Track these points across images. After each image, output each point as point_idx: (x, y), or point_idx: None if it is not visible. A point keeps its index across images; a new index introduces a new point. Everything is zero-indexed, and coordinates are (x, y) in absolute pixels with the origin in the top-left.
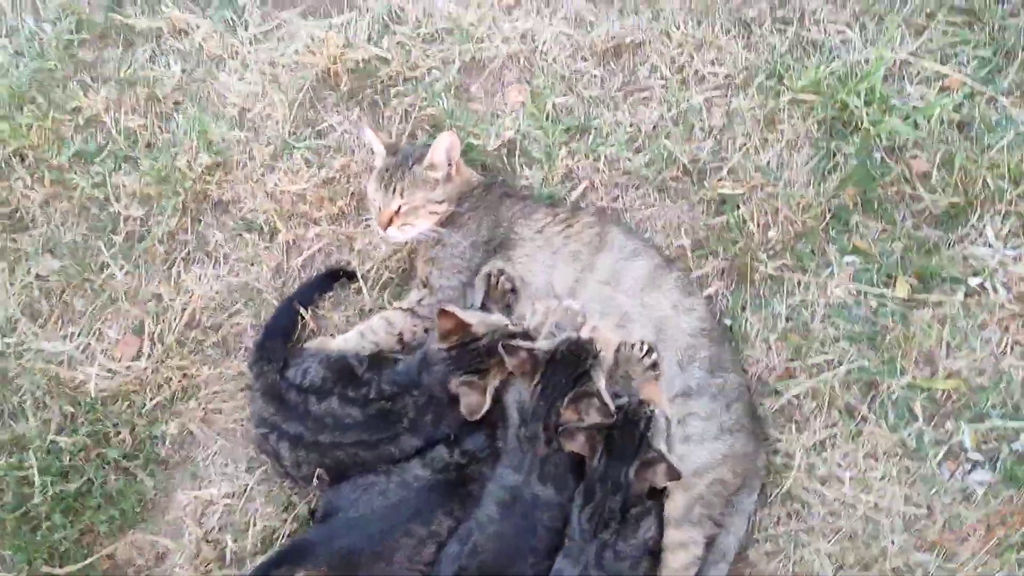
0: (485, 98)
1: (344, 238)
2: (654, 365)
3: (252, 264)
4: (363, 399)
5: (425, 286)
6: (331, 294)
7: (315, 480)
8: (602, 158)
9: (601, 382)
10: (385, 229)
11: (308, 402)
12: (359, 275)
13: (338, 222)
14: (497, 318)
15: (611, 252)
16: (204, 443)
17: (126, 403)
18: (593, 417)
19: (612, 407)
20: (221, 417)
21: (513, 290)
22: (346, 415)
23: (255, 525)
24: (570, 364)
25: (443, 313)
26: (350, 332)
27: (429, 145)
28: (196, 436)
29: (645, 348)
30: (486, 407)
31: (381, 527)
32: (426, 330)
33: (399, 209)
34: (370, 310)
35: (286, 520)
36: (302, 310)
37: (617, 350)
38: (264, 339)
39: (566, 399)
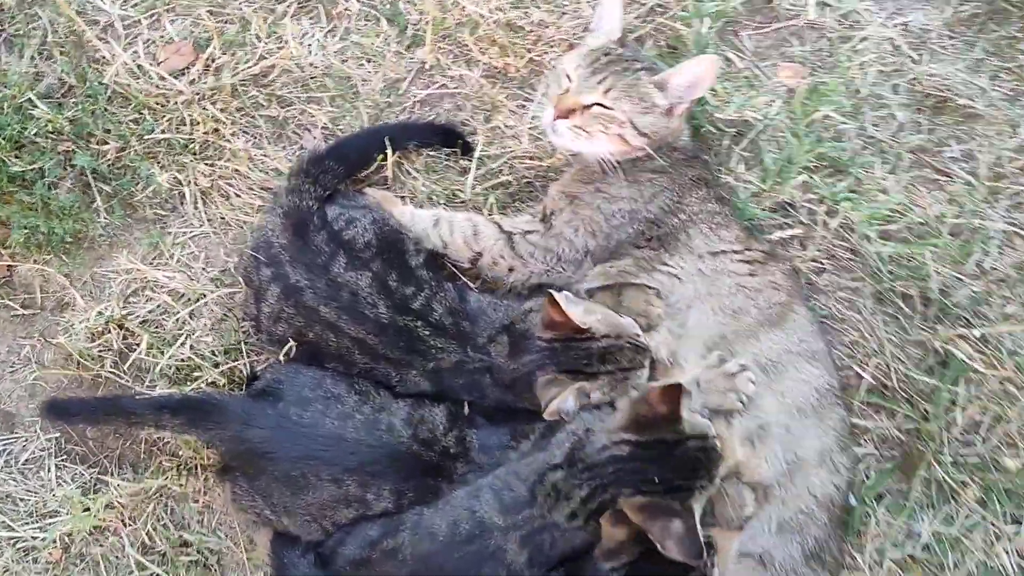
0: (751, 57)
1: (489, 101)
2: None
3: (368, 60)
4: (401, 301)
5: (544, 220)
6: (432, 154)
7: (284, 351)
8: (838, 216)
9: (699, 513)
10: (555, 119)
11: (335, 259)
12: (476, 153)
13: (495, 79)
14: (626, 322)
15: (785, 336)
16: (188, 219)
17: (134, 114)
18: (671, 547)
19: (703, 551)
20: (225, 203)
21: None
22: (370, 303)
23: (182, 345)
24: (685, 464)
25: (552, 303)
26: (424, 211)
27: (659, 64)
28: (184, 206)
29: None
30: (567, 413)
31: (313, 452)
32: (510, 269)
33: (590, 107)
34: (461, 203)
35: (218, 366)
36: (389, 148)
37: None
38: (327, 154)
39: (645, 498)
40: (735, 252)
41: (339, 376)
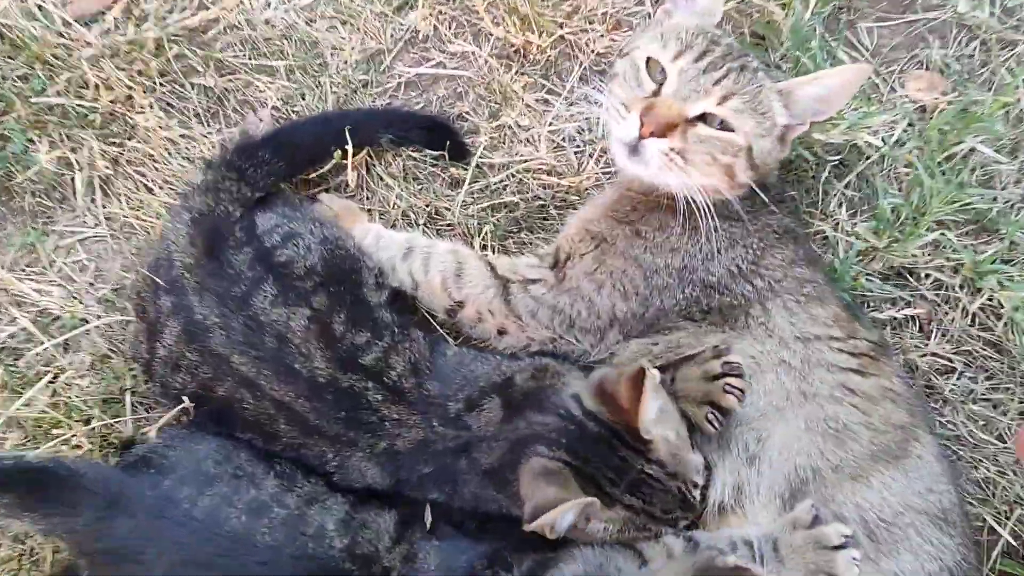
0: (871, 58)
1: (500, 90)
2: None
3: (343, 22)
4: (348, 353)
5: (555, 267)
6: (414, 155)
7: (173, 412)
8: (981, 295)
9: None
10: (644, 138)
11: (259, 288)
12: (474, 160)
13: (510, 61)
14: (694, 463)
15: (906, 481)
16: (79, 215)
17: (23, 68)
18: None
19: None
20: (131, 199)
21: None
22: (303, 354)
23: (47, 386)
24: None
25: (636, 379)
26: (396, 233)
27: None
28: (75, 197)
29: None
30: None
31: (205, 559)
32: (500, 331)
33: (694, 121)
34: (447, 227)
35: (89, 422)
36: (350, 140)
37: None
38: (262, 142)
39: None
40: (834, 339)
41: (256, 451)
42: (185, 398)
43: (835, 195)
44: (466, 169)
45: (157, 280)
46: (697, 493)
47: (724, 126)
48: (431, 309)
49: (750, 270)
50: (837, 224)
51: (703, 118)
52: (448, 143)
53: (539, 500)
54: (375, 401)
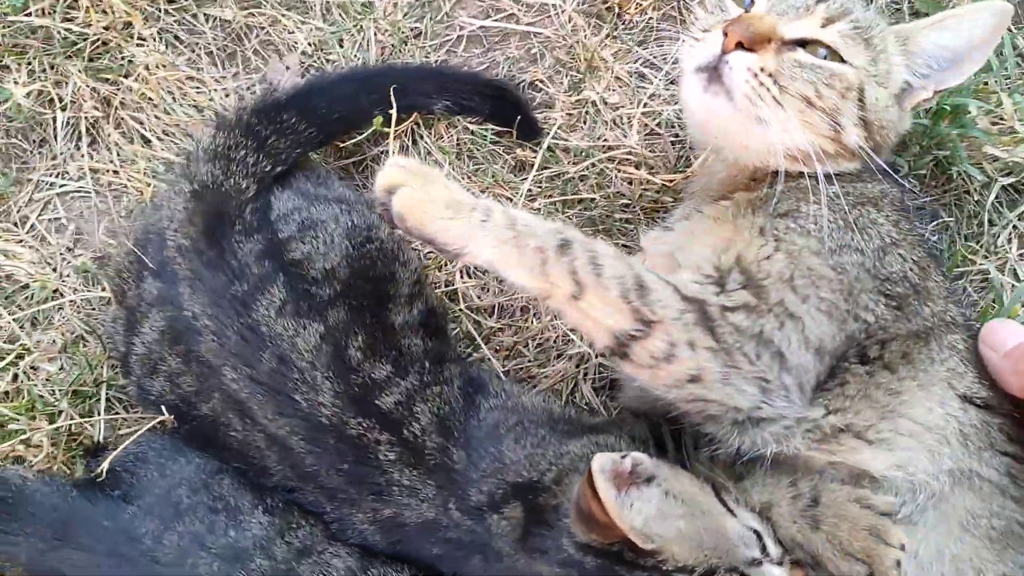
0: None
1: (584, 56)
2: None
3: None
4: (361, 389)
5: (719, 282)
6: (472, 127)
7: (149, 425)
8: None
9: None
10: (728, 52)
11: (264, 290)
12: (545, 142)
13: (600, 20)
14: (737, 535)
15: None
16: (60, 164)
17: None
18: None
19: None
20: (122, 148)
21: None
22: (307, 382)
23: (2, 370)
24: None
25: (589, 479)
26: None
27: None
28: (56, 141)
29: None
30: None
31: None
32: (693, 377)
33: (791, 45)
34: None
35: (53, 420)
36: (395, 103)
37: None
38: (287, 102)
39: None
40: (991, 409)
41: (244, 478)
42: (164, 409)
43: (1005, 226)
44: (536, 151)
45: (143, 257)
46: (757, 570)
47: (833, 44)
48: (586, 336)
49: (919, 282)
50: (1004, 263)
51: (803, 45)
52: (517, 118)
53: None
54: (386, 460)
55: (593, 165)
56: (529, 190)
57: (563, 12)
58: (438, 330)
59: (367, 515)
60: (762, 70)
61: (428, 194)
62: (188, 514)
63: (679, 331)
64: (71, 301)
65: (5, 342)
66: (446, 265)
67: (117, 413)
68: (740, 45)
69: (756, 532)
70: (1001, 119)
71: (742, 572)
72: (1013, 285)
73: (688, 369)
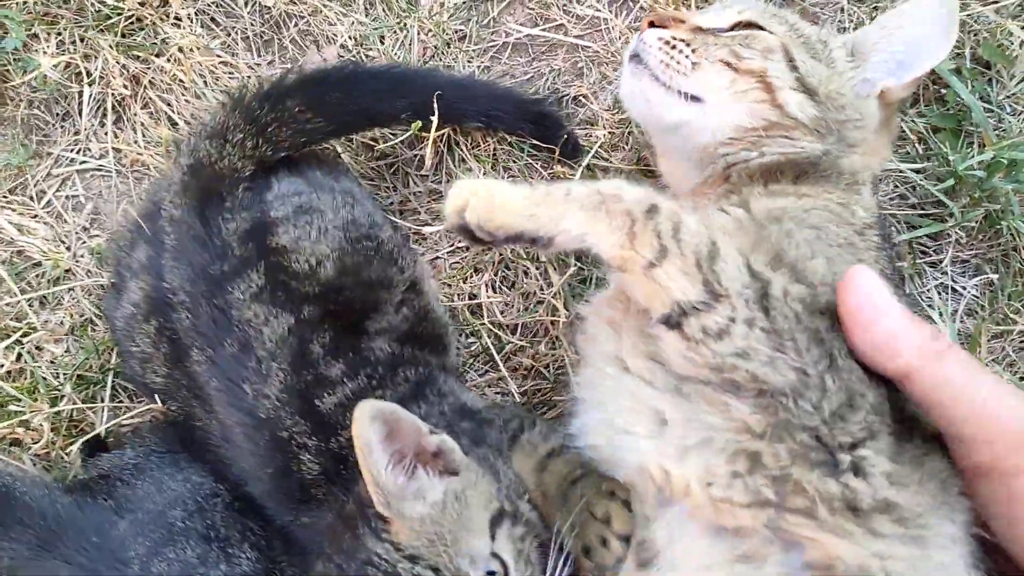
0: None
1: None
2: None
3: None
4: (309, 384)
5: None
6: (508, 140)
7: (138, 410)
8: None
9: None
10: (644, 32)
11: (243, 272)
12: (585, 160)
13: None
14: (470, 545)
15: None
16: (82, 140)
17: None
18: None
19: None
20: (148, 129)
21: None
22: (261, 373)
23: (8, 348)
24: None
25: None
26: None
27: None
28: (81, 116)
29: None
30: None
31: None
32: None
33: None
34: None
35: (56, 402)
36: (437, 115)
37: None
38: (296, 87)
39: None
40: None
41: (233, 501)
42: (157, 398)
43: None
44: (574, 169)
45: (140, 221)
46: None
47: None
48: (645, 304)
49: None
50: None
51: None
52: (562, 138)
53: None
54: (307, 468)
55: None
56: None
57: (614, 27)
58: (429, 338)
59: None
60: (673, 37)
61: (500, 195)
62: (181, 539)
63: (743, 308)
64: (82, 285)
65: (12, 319)
66: (472, 276)
67: (121, 402)
68: (652, 24)
69: (503, 563)
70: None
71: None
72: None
73: (737, 348)
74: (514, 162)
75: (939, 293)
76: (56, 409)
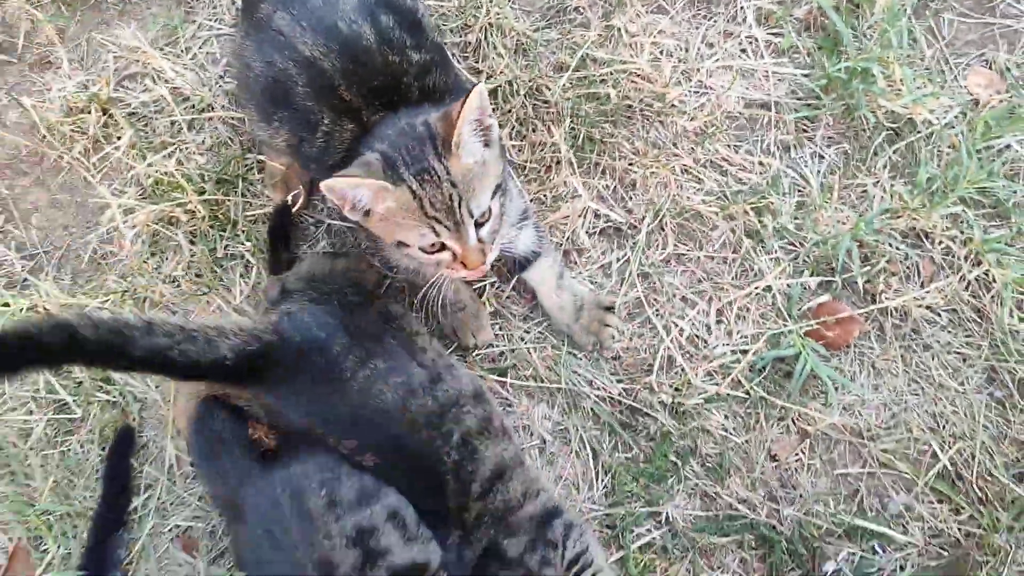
0: (944, 47)
1: None
2: None
3: None
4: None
5: None
6: (530, 35)
7: (283, 199)
8: (980, 267)
9: None
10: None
11: None
12: (579, 53)
13: None
14: (484, 203)
15: None
16: (220, 12)
17: None
18: None
19: None
20: None
21: None
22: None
23: (169, 156)
24: None
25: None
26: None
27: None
28: None
29: None
30: None
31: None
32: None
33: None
34: (544, 103)
35: (203, 193)
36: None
37: None
38: None
39: None
40: None
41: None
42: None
43: (884, 156)
44: (572, 58)
45: None
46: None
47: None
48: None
49: None
50: (878, 181)
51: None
52: None
53: (342, 172)
54: None
55: (611, 74)
56: (564, 84)
57: None
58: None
59: None
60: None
61: None
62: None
63: None
64: (219, 117)
65: (169, 136)
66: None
67: (249, 201)
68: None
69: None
70: (892, 82)
71: (465, 207)
72: (881, 195)
73: None
74: (530, 49)
75: (811, 158)
76: (203, 197)
